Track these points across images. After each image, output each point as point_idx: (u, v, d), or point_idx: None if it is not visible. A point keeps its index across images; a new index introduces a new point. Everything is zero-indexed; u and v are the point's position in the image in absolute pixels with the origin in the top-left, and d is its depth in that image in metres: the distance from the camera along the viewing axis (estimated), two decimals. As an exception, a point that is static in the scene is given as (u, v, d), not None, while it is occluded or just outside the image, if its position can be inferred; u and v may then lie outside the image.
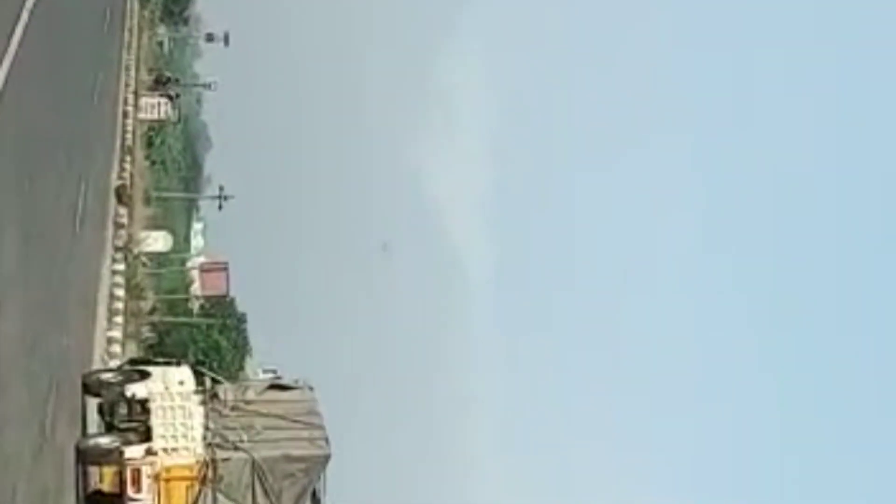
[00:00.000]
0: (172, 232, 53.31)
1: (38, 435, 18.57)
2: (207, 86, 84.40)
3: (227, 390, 23.65)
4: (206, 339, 60.34)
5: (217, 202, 67.08)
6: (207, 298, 57.84)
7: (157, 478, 22.13)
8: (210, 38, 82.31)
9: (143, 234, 45.47)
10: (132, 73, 56.09)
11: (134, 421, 23.00)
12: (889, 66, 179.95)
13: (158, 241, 47.80)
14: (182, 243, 66.32)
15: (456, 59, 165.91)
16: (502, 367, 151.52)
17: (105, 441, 22.67)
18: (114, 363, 28.41)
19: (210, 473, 22.26)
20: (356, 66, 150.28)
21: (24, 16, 20.21)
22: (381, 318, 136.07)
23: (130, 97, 53.58)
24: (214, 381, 24.38)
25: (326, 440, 22.83)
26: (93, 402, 23.77)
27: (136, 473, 22.12)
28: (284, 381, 24.07)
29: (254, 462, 22.37)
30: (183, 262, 61.13)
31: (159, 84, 65.39)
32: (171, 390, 23.23)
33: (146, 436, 22.57)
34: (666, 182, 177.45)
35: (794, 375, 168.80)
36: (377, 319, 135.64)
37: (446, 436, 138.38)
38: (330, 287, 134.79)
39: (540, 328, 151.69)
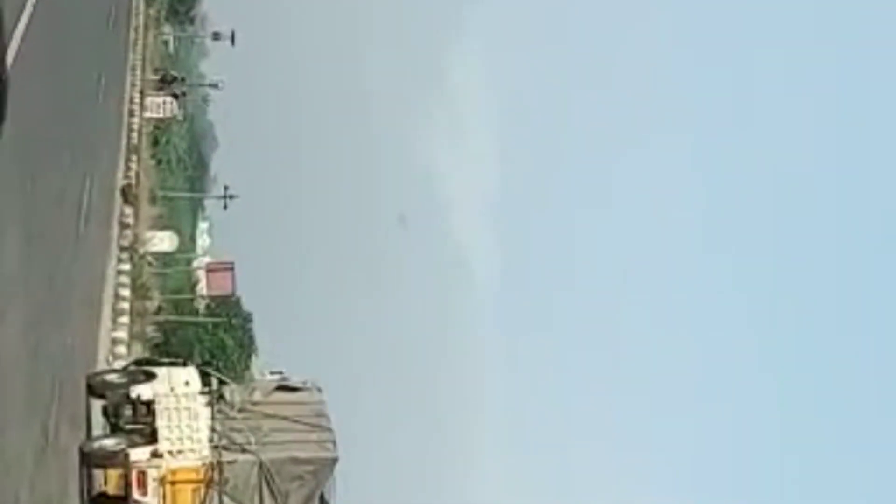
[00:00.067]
0: (178, 231, 53.07)
1: (40, 438, 18.28)
2: (213, 85, 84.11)
3: (233, 391, 23.38)
4: (212, 338, 60.16)
5: (223, 202, 66.94)
6: (213, 298, 57.63)
7: (162, 480, 21.84)
8: (216, 37, 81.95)
9: (149, 233, 45.24)
10: (138, 71, 55.89)
11: (139, 423, 22.72)
12: (889, 66, 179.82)
13: (164, 241, 47.57)
14: (188, 243, 66.08)
15: (462, 60, 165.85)
16: (506, 367, 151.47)
17: (110, 443, 22.38)
18: (119, 364, 28.10)
19: (216, 476, 21.98)
20: (363, 65, 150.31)
21: (27, 13, 19.95)
22: (386, 316, 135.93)
23: (136, 96, 53.39)
24: (221, 381, 24.12)
25: (334, 443, 22.56)
26: (97, 404, 23.50)
27: (142, 476, 21.84)
28: (292, 383, 23.79)
29: (261, 464, 22.09)
30: (188, 261, 60.93)
31: (165, 83, 65.18)
32: (176, 391, 22.95)
33: (152, 438, 22.28)
34: (667, 182, 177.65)
35: (793, 375, 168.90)
36: (382, 318, 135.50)
37: (449, 435, 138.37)
38: (335, 286, 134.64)
39: (542, 328, 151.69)
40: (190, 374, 23.59)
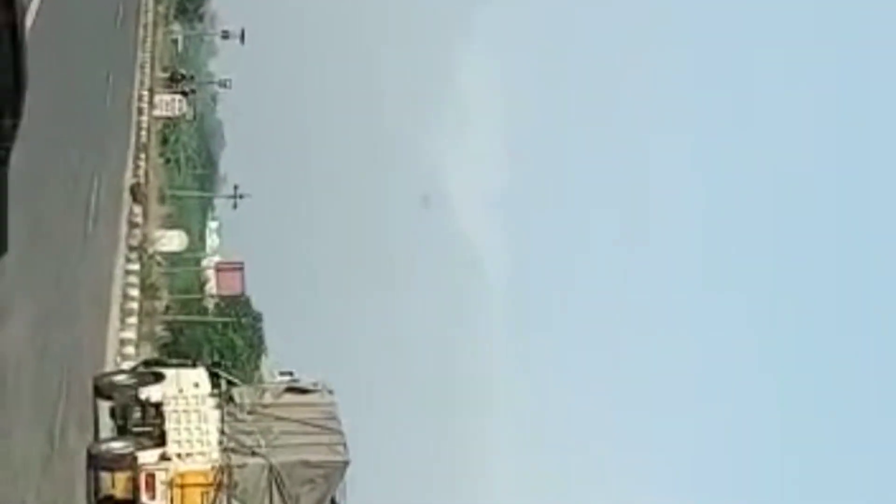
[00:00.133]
0: (187, 230, 52.81)
1: (47, 441, 18.01)
2: (222, 83, 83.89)
3: (243, 393, 23.10)
4: (222, 338, 59.91)
5: (232, 201, 66.72)
6: (222, 298, 57.40)
7: (171, 484, 21.53)
8: (225, 35, 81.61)
9: (159, 233, 44.99)
10: (147, 70, 55.68)
11: (148, 425, 22.44)
12: (889, 65, 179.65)
13: (174, 241, 47.30)
14: (197, 242, 65.85)
15: (470, 59, 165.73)
16: (515, 365, 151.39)
17: (118, 446, 22.09)
18: (127, 365, 27.82)
19: (225, 479, 21.66)
20: (371, 64, 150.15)
21: (33, 11, 19.71)
22: (395, 314, 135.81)
23: (145, 94, 53.18)
24: (230, 383, 23.84)
25: (345, 446, 22.26)
26: (105, 406, 23.20)
27: (150, 479, 21.53)
28: (303, 385, 23.50)
29: (271, 468, 21.78)
30: (198, 261, 60.69)
31: (174, 81, 64.99)
32: (185, 393, 22.67)
33: (160, 440, 21.99)
34: (667, 182, 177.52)
35: (793, 376, 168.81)
36: (391, 317, 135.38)
37: (458, 435, 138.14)
38: (344, 285, 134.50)
39: (548, 327, 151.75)
40: (199, 375, 23.32)
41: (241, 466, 21.69)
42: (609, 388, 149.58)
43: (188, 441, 21.90)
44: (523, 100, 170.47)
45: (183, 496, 21.55)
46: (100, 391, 23.04)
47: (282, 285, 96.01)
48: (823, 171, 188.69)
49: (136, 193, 39.88)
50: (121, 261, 34.74)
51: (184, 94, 61.39)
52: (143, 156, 45.08)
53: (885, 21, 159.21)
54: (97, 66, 32.64)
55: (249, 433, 22.05)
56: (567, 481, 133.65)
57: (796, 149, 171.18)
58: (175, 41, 78.01)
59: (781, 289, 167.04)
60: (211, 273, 55.64)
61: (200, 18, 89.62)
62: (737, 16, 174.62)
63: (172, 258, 49.17)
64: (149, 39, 59.13)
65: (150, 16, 62.61)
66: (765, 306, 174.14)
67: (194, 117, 71.68)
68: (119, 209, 36.47)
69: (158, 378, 23.08)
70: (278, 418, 22.33)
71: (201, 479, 21.67)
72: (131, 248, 37.18)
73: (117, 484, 22.04)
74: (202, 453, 21.82)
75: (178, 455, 21.77)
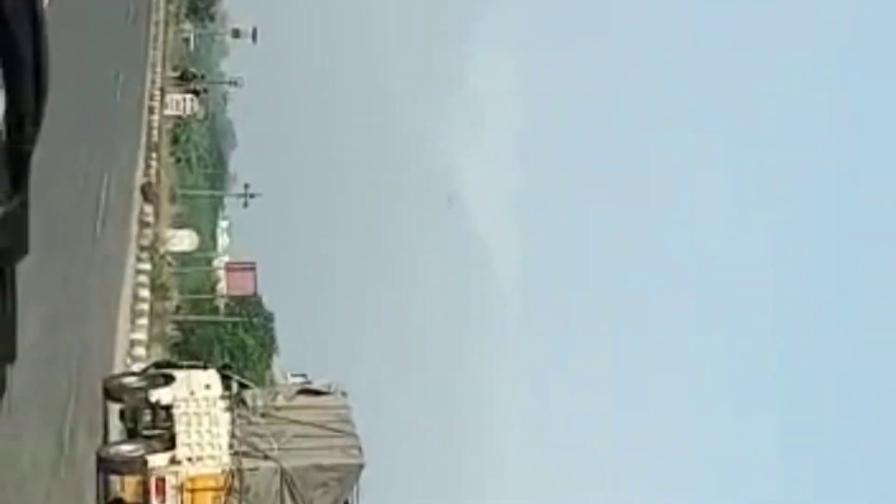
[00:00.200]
0: (198, 230, 52.56)
1: (56, 444, 17.73)
2: (234, 83, 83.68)
3: (255, 395, 22.75)
4: (233, 338, 59.61)
5: (243, 200, 66.51)
6: (233, 298, 57.14)
7: (181, 488, 21.20)
8: (237, 34, 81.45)
9: (170, 232, 44.77)
10: (158, 68, 55.48)
11: (158, 428, 22.11)
12: (889, 65, 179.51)
13: (185, 241, 47.08)
14: (208, 241, 65.61)
15: (484, 60, 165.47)
16: (526, 365, 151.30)
17: (128, 449, 21.76)
18: (137, 366, 27.52)
19: (237, 483, 21.33)
20: (384, 64, 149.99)
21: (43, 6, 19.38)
22: (408, 314, 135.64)
23: (156, 93, 52.98)
24: (242, 385, 23.52)
25: (360, 449, 21.92)
26: (115, 408, 22.90)
27: (160, 483, 21.21)
28: (316, 387, 23.17)
29: (283, 471, 21.43)
30: (209, 261, 60.45)
31: (185, 80, 64.77)
32: (196, 396, 22.32)
33: (170, 443, 21.66)
34: (682, 186, 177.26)
35: (794, 376, 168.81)
36: (403, 316, 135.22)
37: (469, 435, 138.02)
38: (356, 284, 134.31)
39: (556, 330, 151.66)
40: (210, 377, 22.97)
41: (252, 470, 21.36)
42: (618, 390, 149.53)
43: (199, 444, 21.57)
44: (537, 101, 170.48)
45: (193, 500, 21.23)
46: (109, 393, 22.72)
47: (293, 285, 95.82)
48: (822, 171, 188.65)
49: (147, 193, 39.65)
50: (131, 261, 34.48)
51: (195, 93, 61.21)
52: (153, 155, 44.90)
53: (885, 21, 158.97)
54: (107, 64, 32.40)
55: (261, 436, 21.70)
56: (581, 482, 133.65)
57: (797, 149, 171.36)
58: (186, 40, 77.87)
59: (781, 289, 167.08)
60: (222, 273, 55.40)
61: (212, 17, 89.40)
62: (758, 13, 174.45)
63: (183, 258, 48.92)
64: (159, 38, 58.93)
65: (162, 14, 62.43)
66: (765, 306, 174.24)
67: (205, 116, 71.49)
68: (129, 209, 36.24)
69: (169, 380, 22.73)
70: (291, 421, 21.97)
71: (212, 483, 21.34)
72: (142, 248, 36.96)
73: (127, 488, 21.74)
74: (213, 457, 21.49)
75: (189, 459, 21.44)
